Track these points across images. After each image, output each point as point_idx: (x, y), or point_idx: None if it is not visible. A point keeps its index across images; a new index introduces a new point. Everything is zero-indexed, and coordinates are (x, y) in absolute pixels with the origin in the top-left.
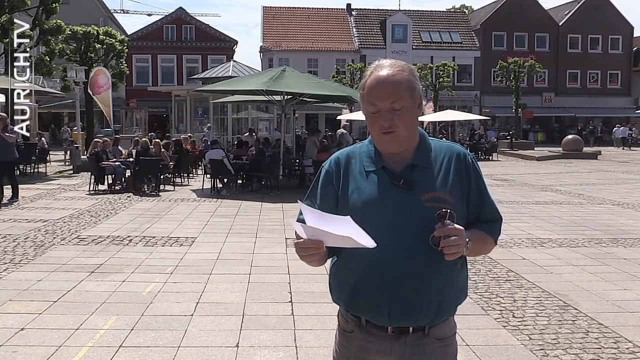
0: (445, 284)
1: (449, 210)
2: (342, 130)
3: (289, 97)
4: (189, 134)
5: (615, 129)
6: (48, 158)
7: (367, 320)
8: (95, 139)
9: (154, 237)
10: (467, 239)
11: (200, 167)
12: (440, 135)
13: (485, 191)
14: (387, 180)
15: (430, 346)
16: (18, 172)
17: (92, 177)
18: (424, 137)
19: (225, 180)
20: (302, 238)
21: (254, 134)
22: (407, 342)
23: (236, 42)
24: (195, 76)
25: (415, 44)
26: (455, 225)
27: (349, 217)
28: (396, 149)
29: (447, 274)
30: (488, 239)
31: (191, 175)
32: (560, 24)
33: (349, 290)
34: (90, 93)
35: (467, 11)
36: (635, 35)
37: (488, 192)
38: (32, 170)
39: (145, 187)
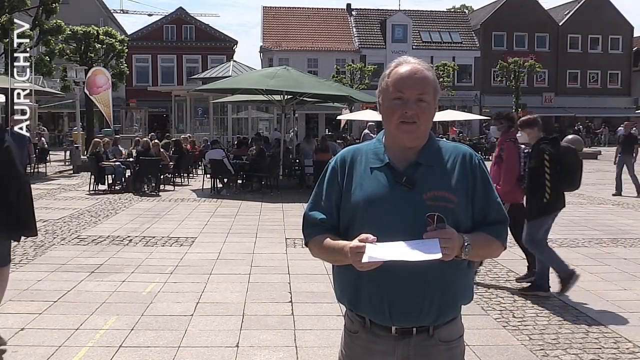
0: (447, 284)
1: (436, 214)
2: (367, 130)
3: (289, 97)
4: (188, 134)
5: (620, 128)
6: (48, 158)
7: (371, 321)
8: (95, 139)
9: (154, 237)
10: (467, 242)
11: (200, 167)
12: (440, 135)
13: (491, 192)
14: (390, 178)
15: (435, 348)
16: None
17: (92, 177)
18: (432, 137)
19: (225, 180)
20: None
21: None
22: (411, 344)
23: (236, 42)
24: (195, 76)
25: (415, 44)
26: (447, 228)
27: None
28: (411, 142)
29: (450, 273)
30: (493, 242)
31: (191, 175)
32: (560, 24)
33: (351, 289)
34: (87, 93)
35: (467, 11)
36: (635, 35)
37: (495, 193)
38: (32, 170)
39: (145, 187)
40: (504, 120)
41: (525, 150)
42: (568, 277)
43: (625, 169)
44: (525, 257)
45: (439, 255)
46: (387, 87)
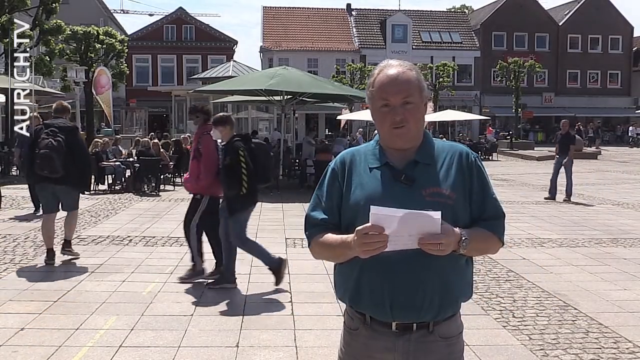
0: (447, 280)
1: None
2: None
3: (288, 97)
4: (187, 134)
5: (631, 128)
6: None
7: (371, 318)
8: (95, 139)
9: (154, 237)
10: (465, 237)
11: None
12: (441, 136)
13: (488, 189)
14: (390, 177)
15: (435, 344)
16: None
17: (92, 177)
18: (428, 136)
19: None
20: (366, 231)
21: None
22: (411, 339)
23: (236, 42)
24: (195, 76)
25: (415, 44)
26: (443, 222)
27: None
28: (406, 144)
29: (450, 269)
30: (491, 237)
31: None
32: (560, 24)
33: (352, 286)
34: (94, 93)
35: (467, 11)
36: (635, 35)
37: (491, 190)
38: None
39: (145, 187)
40: (199, 113)
41: (222, 144)
42: (278, 265)
43: (562, 170)
44: (212, 253)
45: (438, 214)
46: (373, 96)
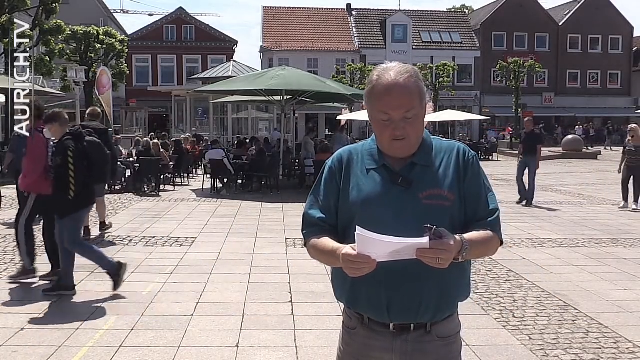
0: (445, 282)
1: (434, 228)
2: None
3: (288, 97)
4: (188, 134)
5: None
6: None
7: (369, 318)
8: None
9: (154, 237)
10: (466, 246)
11: (200, 167)
12: (441, 135)
13: (483, 187)
14: (387, 179)
15: (433, 344)
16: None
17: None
18: (426, 136)
19: (225, 180)
20: (354, 253)
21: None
22: (409, 339)
23: (236, 42)
24: (195, 76)
25: (415, 44)
26: (445, 238)
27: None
28: (406, 154)
29: (448, 271)
30: (491, 238)
31: (191, 175)
32: (560, 24)
33: (350, 288)
34: (97, 93)
35: (467, 11)
36: (635, 35)
37: (488, 186)
38: None
39: (145, 187)
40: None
41: (53, 143)
42: (117, 270)
43: (526, 171)
44: (49, 258)
45: (426, 239)
46: (372, 107)
